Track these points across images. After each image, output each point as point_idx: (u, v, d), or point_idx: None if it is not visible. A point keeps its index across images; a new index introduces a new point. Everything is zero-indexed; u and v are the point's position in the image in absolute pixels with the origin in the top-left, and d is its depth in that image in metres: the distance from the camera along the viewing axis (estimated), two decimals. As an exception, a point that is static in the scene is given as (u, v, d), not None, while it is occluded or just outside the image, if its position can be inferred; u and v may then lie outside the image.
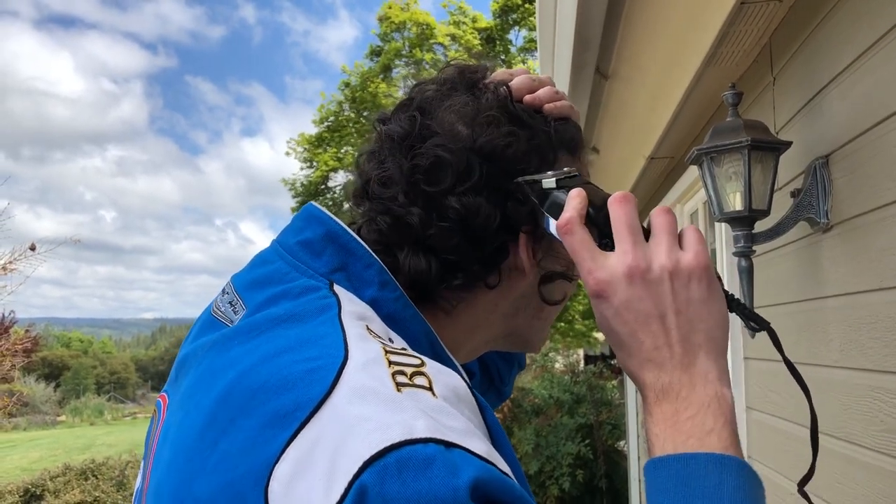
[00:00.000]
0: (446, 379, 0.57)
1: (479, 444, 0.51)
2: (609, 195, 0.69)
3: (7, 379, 11.27)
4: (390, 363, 0.56)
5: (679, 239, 0.67)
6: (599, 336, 18.99)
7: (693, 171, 3.22)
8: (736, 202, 1.78)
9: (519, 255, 0.73)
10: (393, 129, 0.74)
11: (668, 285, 0.64)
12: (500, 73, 0.80)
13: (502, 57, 20.04)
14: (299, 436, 0.49)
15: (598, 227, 0.68)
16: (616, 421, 8.33)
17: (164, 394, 0.72)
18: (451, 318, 0.75)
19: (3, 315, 11.10)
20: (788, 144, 1.80)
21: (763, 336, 2.05)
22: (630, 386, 6.25)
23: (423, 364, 0.57)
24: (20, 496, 10.38)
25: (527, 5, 19.84)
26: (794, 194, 1.87)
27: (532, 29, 20.08)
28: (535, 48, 20.18)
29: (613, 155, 3.95)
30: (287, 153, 20.46)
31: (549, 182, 0.70)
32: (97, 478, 10.34)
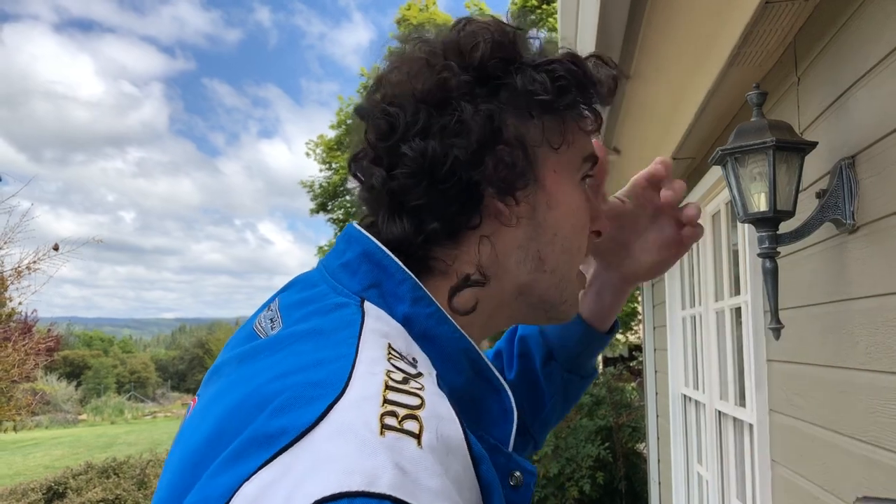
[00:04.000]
0: (441, 427, 0.55)
1: None
2: None
3: (30, 378, 11.41)
4: (385, 401, 0.53)
5: None
6: (619, 337, 18.89)
7: (716, 172, 3.19)
8: (760, 203, 1.77)
9: (493, 199, 0.72)
10: (360, 109, 0.77)
11: None
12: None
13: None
14: (275, 461, 0.49)
15: None
16: (636, 423, 8.28)
17: (196, 396, 0.73)
18: (453, 280, 0.73)
19: (26, 314, 11.25)
20: (814, 145, 1.78)
21: (786, 338, 2.05)
22: (650, 388, 6.22)
23: (421, 406, 0.55)
24: (43, 494, 10.49)
25: (545, 6, 19.79)
26: (819, 195, 1.85)
27: (551, 29, 20.03)
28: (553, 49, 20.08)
29: (635, 155, 3.93)
30: (307, 154, 20.56)
31: None
32: (118, 476, 10.43)
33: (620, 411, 8.44)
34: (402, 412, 0.53)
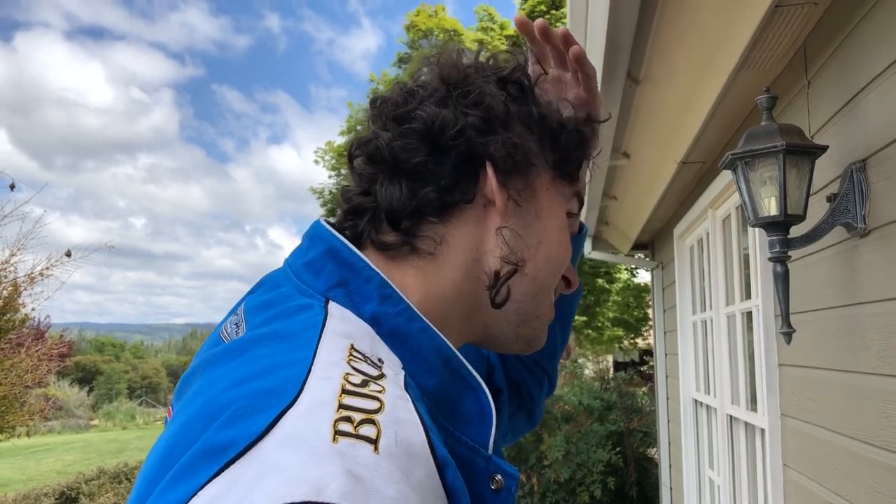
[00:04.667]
0: (401, 431, 0.53)
1: None
2: None
3: (42, 383, 11.47)
4: (340, 406, 0.52)
5: None
6: (630, 342, 18.84)
7: (725, 176, 3.19)
8: (771, 207, 1.77)
9: (490, 178, 0.73)
10: (374, 97, 0.80)
11: None
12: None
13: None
14: (223, 474, 0.47)
15: None
16: (647, 428, 8.26)
17: (170, 408, 0.71)
18: (436, 266, 0.72)
19: (39, 320, 11.31)
20: (824, 149, 1.78)
21: (798, 342, 2.04)
22: (661, 393, 6.20)
23: (380, 409, 0.53)
24: (56, 499, 10.56)
25: (553, 11, 19.81)
26: (830, 199, 1.85)
27: (560, 34, 20.03)
28: (563, 54, 20.12)
29: (644, 160, 3.93)
30: (315, 161, 20.63)
31: None
32: (130, 481, 10.48)
33: (631, 416, 8.42)
34: (358, 417, 0.51)
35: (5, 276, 9.58)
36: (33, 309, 10.24)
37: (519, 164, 0.74)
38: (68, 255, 10.25)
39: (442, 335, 0.68)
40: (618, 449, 7.91)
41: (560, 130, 0.78)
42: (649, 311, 15.94)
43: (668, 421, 5.84)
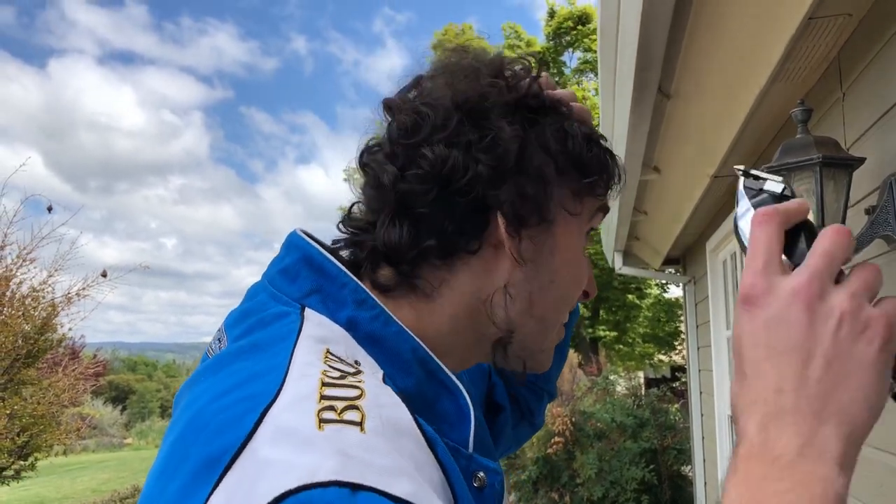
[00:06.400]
0: (385, 412, 0.53)
1: (404, 485, 0.47)
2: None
3: (77, 402, 11.63)
4: (322, 398, 0.52)
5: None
6: (663, 358, 18.65)
7: (759, 190, 3.16)
8: (808, 220, 1.75)
9: (500, 225, 0.69)
10: (389, 100, 0.75)
11: (833, 325, 0.51)
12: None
13: (557, 79, 20.06)
14: (222, 483, 0.48)
15: (796, 247, 0.58)
16: (681, 445, 8.14)
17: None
18: (434, 305, 0.70)
19: (74, 340, 11.50)
20: (862, 161, 1.76)
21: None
22: (695, 410, 6.12)
23: (360, 396, 0.54)
24: (91, 517, 10.66)
25: (580, 27, 19.84)
26: (868, 211, 1.83)
27: (586, 50, 20.07)
28: (589, 70, 20.16)
29: (675, 174, 3.91)
30: (345, 180, 20.79)
31: (774, 186, 0.64)
32: (164, 500, 10.56)
33: (665, 433, 8.31)
34: (340, 405, 0.52)
35: (43, 297, 9.76)
36: (70, 329, 10.42)
37: (533, 210, 0.70)
38: (104, 275, 10.43)
39: (416, 337, 0.67)
40: (651, 466, 7.81)
41: (585, 148, 0.74)
42: (680, 326, 15.78)
43: (703, 438, 5.76)
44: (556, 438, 7.98)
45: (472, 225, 0.69)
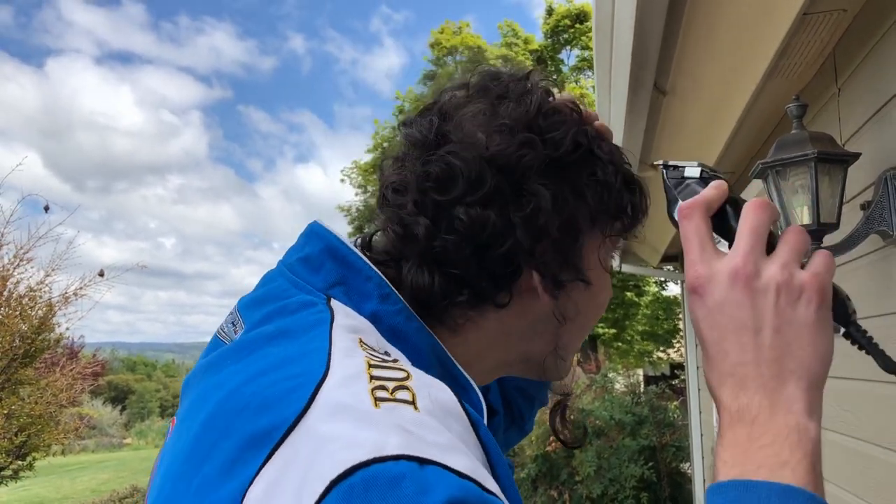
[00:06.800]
0: (433, 392, 0.54)
1: (462, 460, 0.48)
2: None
3: (76, 402, 11.62)
4: (372, 378, 0.53)
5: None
6: (661, 355, 18.67)
7: (756, 186, 3.16)
8: (803, 216, 1.75)
9: (533, 275, 0.69)
10: (412, 134, 0.72)
11: (772, 298, 0.58)
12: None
13: (554, 77, 20.07)
14: (273, 457, 0.48)
15: (726, 227, 0.64)
16: (680, 443, 8.15)
17: (174, 418, 0.71)
18: (459, 338, 0.71)
19: (73, 340, 11.49)
20: (857, 156, 1.76)
21: (836, 353, 1.99)
22: (694, 407, 6.12)
23: (408, 377, 0.55)
24: (90, 517, 10.66)
25: (577, 25, 19.84)
26: (864, 207, 1.83)
27: (584, 48, 20.07)
28: (587, 67, 20.16)
29: (672, 171, 3.90)
30: (342, 181, 20.81)
31: (692, 171, 0.68)
32: (163, 499, 10.56)
33: (664, 431, 8.31)
34: (391, 385, 0.53)
35: (40, 297, 9.75)
36: (67, 328, 10.41)
37: (567, 268, 0.70)
38: (101, 275, 10.41)
39: (435, 335, 0.68)
40: (650, 464, 7.81)
41: (623, 197, 0.74)
42: (679, 324, 15.78)
43: (702, 435, 5.76)
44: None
45: (505, 280, 0.69)
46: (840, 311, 0.63)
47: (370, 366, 0.55)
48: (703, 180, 0.67)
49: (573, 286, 0.72)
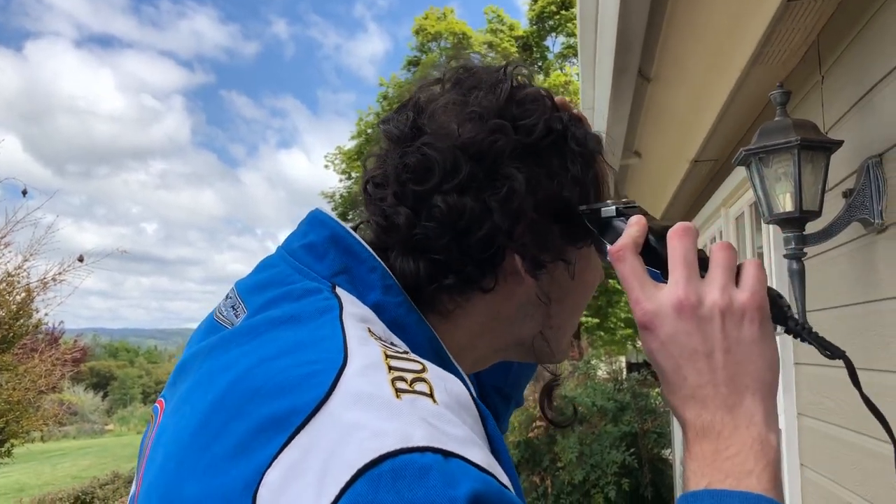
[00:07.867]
0: (448, 385, 0.56)
1: (480, 454, 0.49)
2: (669, 226, 0.67)
3: (56, 388, 11.54)
4: (390, 368, 0.54)
5: (737, 273, 0.65)
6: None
7: (739, 174, 3.17)
8: (786, 203, 1.75)
9: (515, 258, 0.70)
10: (389, 130, 0.74)
11: (718, 323, 0.62)
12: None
13: (539, 64, 20.02)
14: (293, 441, 0.48)
15: (655, 258, 0.67)
16: (661, 429, 8.21)
17: (161, 399, 0.71)
18: (451, 324, 0.72)
19: (53, 326, 11.39)
20: (840, 143, 1.76)
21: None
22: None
23: (424, 369, 0.56)
24: (71, 503, 10.61)
25: (563, 12, 19.80)
26: (846, 194, 1.83)
27: (569, 35, 20.04)
28: (572, 55, 20.14)
29: (656, 159, 3.91)
30: (325, 166, 20.71)
31: (608, 210, 0.71)
32: (145, 486, 10.53)
33: (645, 417, 8.37)
34: (409, 376, 0.54)
35: (18, 282, 9.64)
36: (46, 314, 10.30)
37: (549, 248, 0.71)
38: (80, 260, 10.30)
39: (432, 327, 0.69)
40: (632, 450, 7.87)
41: (586, 167, 0.74)
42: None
43: (683, 421, 5.81)
44: (538, 422, 8.01)
45: (488, 264, 0.70)
46: (776, 313, 0.67)
47: (387, 356, 0.56)
48: (621, 214, 0.71)
49: (555, 266, 0.73)
